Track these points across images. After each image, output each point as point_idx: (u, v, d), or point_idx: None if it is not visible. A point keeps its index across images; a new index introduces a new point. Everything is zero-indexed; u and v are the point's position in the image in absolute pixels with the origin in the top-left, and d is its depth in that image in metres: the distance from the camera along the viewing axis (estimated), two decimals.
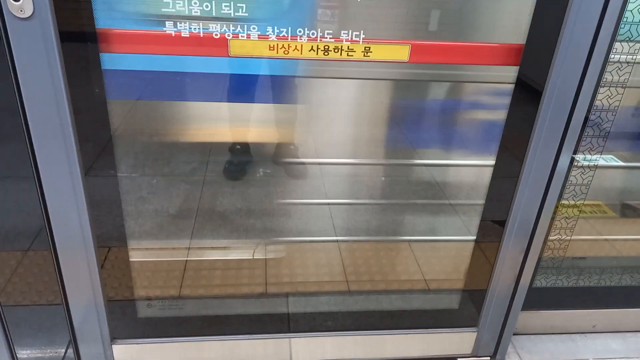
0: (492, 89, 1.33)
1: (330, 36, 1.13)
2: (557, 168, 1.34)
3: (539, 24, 1.17)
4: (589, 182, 1.57)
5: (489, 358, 1.69)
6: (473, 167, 1.50)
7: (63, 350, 1.49)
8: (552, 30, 1.17)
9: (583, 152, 1.51)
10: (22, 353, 1.46)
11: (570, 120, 1.27)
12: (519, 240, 1.46)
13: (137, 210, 1.45)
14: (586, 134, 1.47)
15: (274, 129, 1.47)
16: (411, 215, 1.66)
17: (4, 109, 1.11)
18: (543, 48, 1.20)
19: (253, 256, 1.62)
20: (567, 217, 1.64)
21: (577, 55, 1.18)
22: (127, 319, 1.49)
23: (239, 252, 1.62)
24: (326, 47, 1.15)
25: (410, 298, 1.66)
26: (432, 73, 1.27)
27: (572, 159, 1.51)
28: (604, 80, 1.38)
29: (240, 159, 1.47)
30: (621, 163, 1.61)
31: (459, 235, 1.60)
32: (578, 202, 1.62)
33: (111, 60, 1.11)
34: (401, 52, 1.18)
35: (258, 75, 1.23)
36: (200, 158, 1.47)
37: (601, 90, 1.40)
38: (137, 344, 1.49)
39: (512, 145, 1.34)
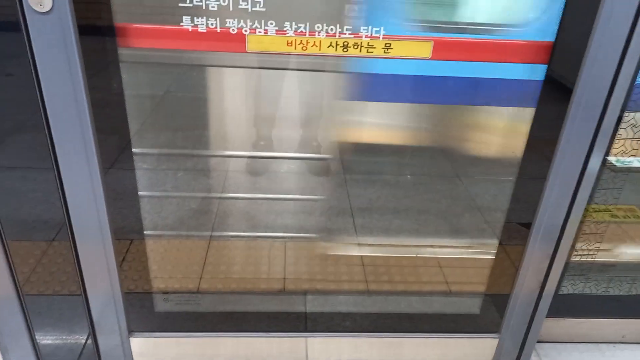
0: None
1: (349, 32, 1.10)
2: (587, 170, 1.28)
3: (570, 21, 1.12)
4: (622, 186, 1.50)
5: None
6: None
7: (83, 341, 1.51)
8: (583, 28, 1.11)
9: (616, 155, 1.44)
10: (43, 341, 1.49)
11: (602, 122, 1.21)
12: (545, 244, 1.40)
13: (158, 204, 1.46)
14: (619, 135, 1.40)
15: None
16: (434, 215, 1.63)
17: (26, 102, 1.13)
18: (573, 46, 1.14)
19: (271, 252, 1.61)
20: (597, 222, 1.57)
21: (609, 54, 1.12)
22: (145, 313, 1.50)
23: (259, 248, 1.62)
24: (345, 43, 1.12)
25: (430, 301, 1.62)
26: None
27: (604, 161, 1.44)
28: None
29: None
30: None
31: (482, 237, 1.56)
32: (610, 207, 1.55)
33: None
34: (423, 49, 1.14)
35: None
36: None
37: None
38: (154, 337, 1.50)
39: (541, 145, 1.29)
